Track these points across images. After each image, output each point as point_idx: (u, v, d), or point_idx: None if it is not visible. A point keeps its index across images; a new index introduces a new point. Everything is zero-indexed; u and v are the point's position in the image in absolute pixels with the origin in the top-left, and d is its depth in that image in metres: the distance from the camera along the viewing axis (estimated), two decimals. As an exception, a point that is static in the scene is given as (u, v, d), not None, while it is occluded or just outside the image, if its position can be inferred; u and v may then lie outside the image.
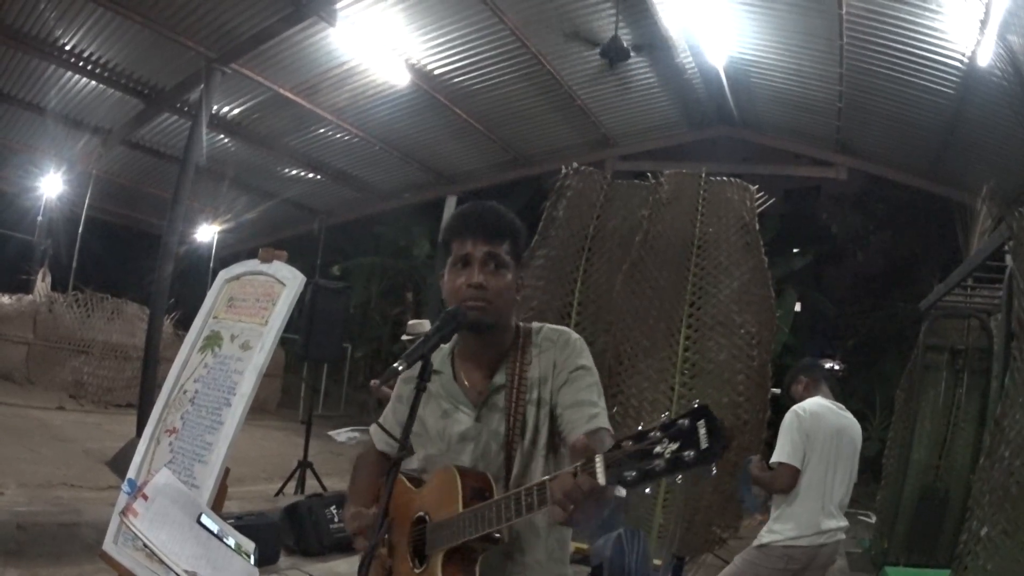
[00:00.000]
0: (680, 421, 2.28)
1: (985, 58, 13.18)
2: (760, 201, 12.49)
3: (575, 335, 3.63)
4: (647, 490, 2.38)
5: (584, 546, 10.72)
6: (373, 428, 3.92)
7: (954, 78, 14.86)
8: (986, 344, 12.80)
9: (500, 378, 3.50)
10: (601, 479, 2.43)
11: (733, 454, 8.69)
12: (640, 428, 2.37)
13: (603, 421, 3.30)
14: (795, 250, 28.38)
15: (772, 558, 7.46)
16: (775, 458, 7.28)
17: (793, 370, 7.74)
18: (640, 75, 18.96)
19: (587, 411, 3.30)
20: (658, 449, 2.29)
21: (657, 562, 8.78)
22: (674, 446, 2.26)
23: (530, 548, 3.39)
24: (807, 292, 28.41)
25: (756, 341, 11.89)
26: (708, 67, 17.62)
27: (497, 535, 3.00)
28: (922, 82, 15.43)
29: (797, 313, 27.77)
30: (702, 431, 2.24)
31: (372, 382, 12.28)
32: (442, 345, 3.44)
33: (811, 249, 28.45)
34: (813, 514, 7.38)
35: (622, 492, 2.42)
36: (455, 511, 3.14)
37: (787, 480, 7.29)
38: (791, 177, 23.52)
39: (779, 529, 7.44)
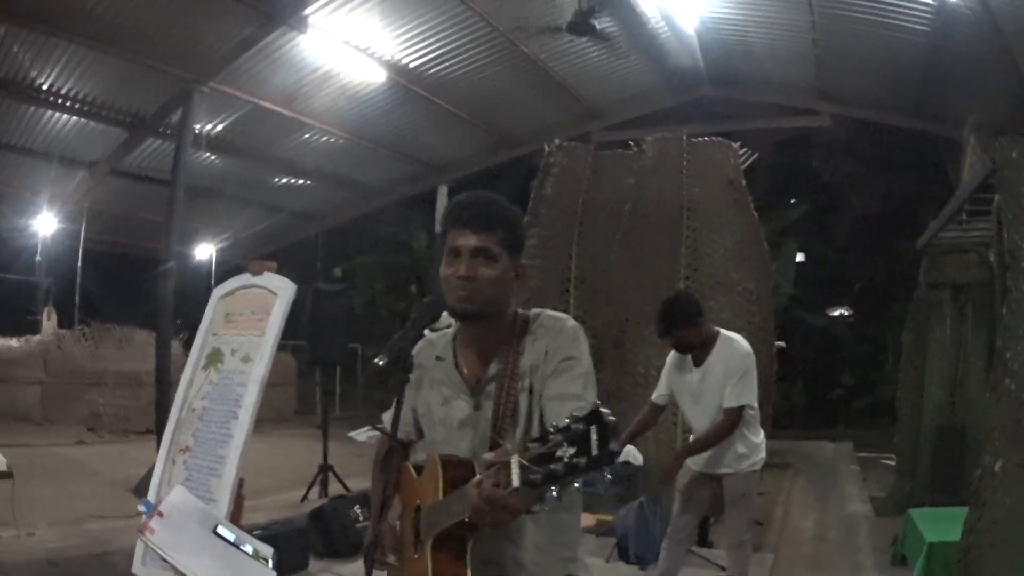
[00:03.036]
0: (576, 425, 2.35)
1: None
2: (744, 157, 12.55)
3: (571, 323, 3.62)
4: (553, 492, 2.42)
5: (608, 517, 10.80)
6: (384, 421, 3.99)
7: (926, 15, 14.80)
8: (987, 277, 12.75)
9: (494, 367, 3.53)
10: (516, 481, 2.50)
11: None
12: (549, 429, 2.43)
13: None
14: (792, 201, 28.37)
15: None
16: (747, 401, 7.26)
17: (685, 311, 7.58)
18: (615, 45, 18.97)
19: (569, 404, 3.21)
20: (559, 453, 2.36)
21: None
22: (571, 451, 2.34)
23: (528, 531, 3.43)
24: (808, 242, 28.39)
25: (755, 297, 12.01)
26: (681, 31, 17.66)
27: (467, 520, 2.97)
28: (895, 21, 15.35)
29: (800, 264, 27.77)
30: (593, 437, 2.31)
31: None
32: (445, 332, 3.62)
33: (807, 198, 28.45)
34: None
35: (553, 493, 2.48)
36: (437, 499, 3.22)
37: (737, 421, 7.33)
38: (779, 129, 23.54)
39: (763, 450, 7.62)
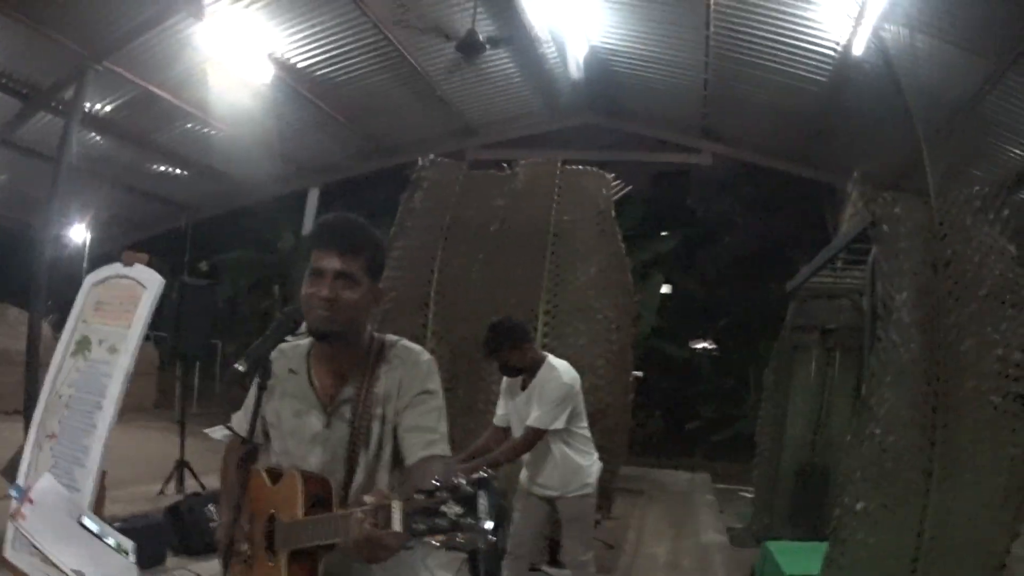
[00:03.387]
0: (465, 488, 2.48)
1: (859, 48, 13.42)
2: (617, 188, 12.67)
3: (426, 356, 3.75)
4: (435, 543, 2.53)
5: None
6: (233, 422, 4.01)
7: (827, 67, 15.19)
8: (858, 322, 13.05)
9: (349, 390, 3.63)
10: (397, 527, 2.59)
11: (597, 437, 8.77)
12: (435, 484, 2.53)
13: (440, 448, 3.51)
14: (663, 233, 28.62)
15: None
16: (551, 426, 7.36)
17: (510, 335, 7.69)
18: (501, 66, 19.15)
19: (425, 436, 3.50)
20: (443, 508, 2.48)
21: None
22: (458, 509, 2.47)
23: None
24: (676, 275, 28.72)
25: (615, 326, 12.14)
26: (570, 56, 17.72)
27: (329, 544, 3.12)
28: (794, 70, 15.75)
29: (667, 295, 28.07)
30: (483, 501, 2.45)
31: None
32: (299, 344, 3.76)
33: (679, 232, 28.71)
34: None
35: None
36: (295, 515, 3.32)
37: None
38: (657, 162, 23.77)
39: (592, 475, 7.79)
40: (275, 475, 3.61)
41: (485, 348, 7.60)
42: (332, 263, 3.45)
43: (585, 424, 7.82)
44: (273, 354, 3.52)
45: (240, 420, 3.92)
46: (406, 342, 3.77)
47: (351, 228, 3.59)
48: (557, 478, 7.58)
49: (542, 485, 7.65)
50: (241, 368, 3.27)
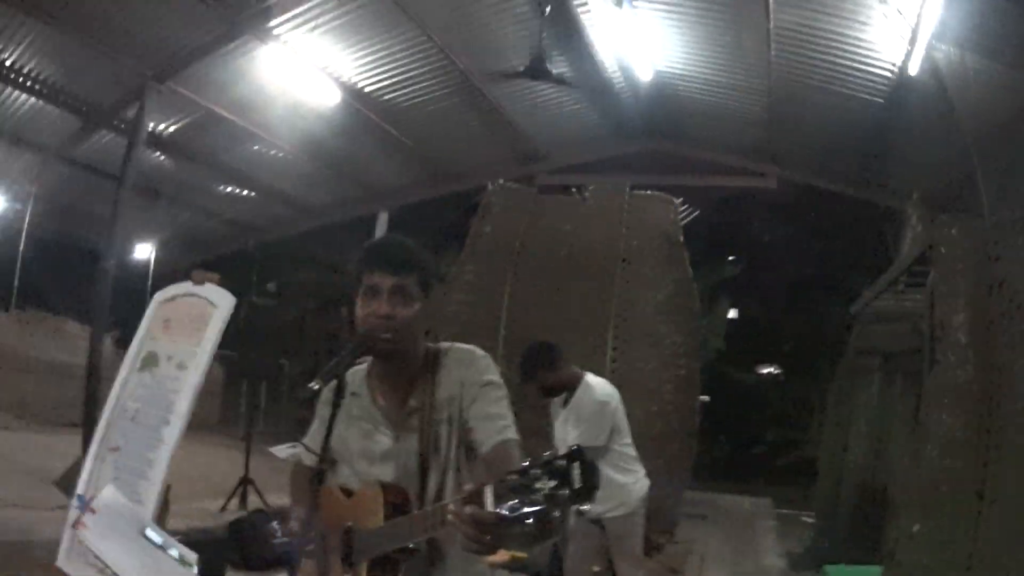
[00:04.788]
0: (558, 461, 2.51)
1: (915, 68, 13.39)
2: (684, 213, 12.71)
3: (480, 352, 3.83)
4: (528, 520, 2.59)
5: (522, 555, 10.87)
6: (300, 447, 4.09)
7: (883, 87, 15.06)
8: (918, 346, 13.00)
9: (414, 401, 3.69)
10: (490, 507, 2.65)
11: (663, 462, 8.83)
12: (526, 463, 2.57)
13: (512, 433, 3.55)
14: (729, 258, 28.56)
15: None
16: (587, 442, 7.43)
17: (543, 357, 7.73)
18: (568, 91, 19.06)
19: (497, 423, 3.55)
20: (538, 484, 2.51)
21: (596, 568, 8.95)
22: (552, 483, 2.49)
23: (448, 551, 3.55)
24: (741, 300, 28.65)
25: (682, 352, 12.16)
26: (635, 81, 17.73)
27: (412, 547, 3.24)
28: (851, 92, 15.62)
29: (732, 321, 28.01)
30: (576, 472, 2.47)
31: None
32: (356, 368, 3.77)
33: (744, 256, 28.65)
34: None
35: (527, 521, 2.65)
36: (378, 524, 3.39)
37: None
38: (724, 187, 23.71)
39: (634, 493, 7.87)
40: (348, 492, 3.72)
41: (520, 374, 7.66)
42: (386, 280, 3.56)
43: (628, 441, 7.82)
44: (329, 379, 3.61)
45: (311, 441, 4.00)
46: (458, 344, 3.86)
47: (401, 247, 3.73)
48: (599, 497, 7.58)
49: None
50: (316, 387, 3.38)
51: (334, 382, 3.45)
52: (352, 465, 3.81)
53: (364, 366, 3.84)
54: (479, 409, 3.60)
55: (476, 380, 3.67)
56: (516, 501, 2.55)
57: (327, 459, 3.62)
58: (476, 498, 2.71)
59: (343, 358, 3.46)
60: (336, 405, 3.50)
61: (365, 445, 3.77)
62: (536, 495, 2.50)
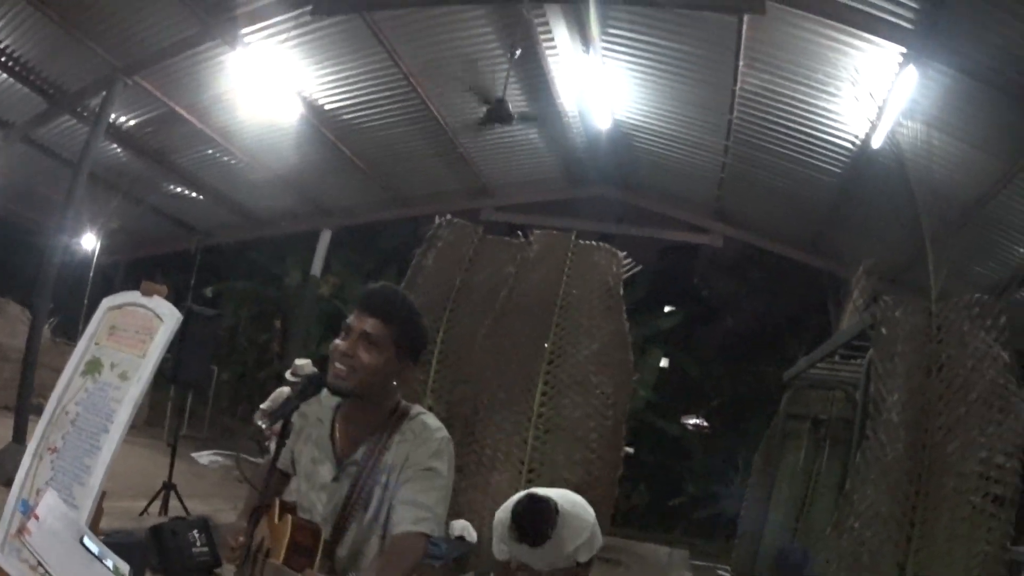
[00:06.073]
0: None
1: (878, 142, 13.55)
2: (627, 267, 12.81)
3: (441, 434, 3.80)
4: None
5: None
6: (222, 456, 4.20)
7: (843, 158, 15.39)
8: (850, 415, 13.16)
9: (361, 452, 3.74)
10: None
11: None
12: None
13: (428, 526, 3.57)
14: (666, 309, 28.72)
15: None
16: None
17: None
18: (525, 131, 19.34)
19: (417, 512, 3.56)
20: None
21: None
22: None
23: None
24: (674, 351, 28.80)
25: (612, 402, 12.22)
26: (593, 128, 17.90)
27: None
28: (810, 159, 15.97)
29: (663, 371, 28.15)
30: None
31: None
32: (333, 398, 3.80)
33: (682, 309, 28.86)
34: None
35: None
36: (278, 555, 3.47)
37: None
38: (667, 239, 23.83)
39: None
40: (284, 511, 3.74)
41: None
42: (361, 323, 3.62)
43: None
44: (312, 398, 3.71)
45: (262, 469, 4.12)
46: (426, 417, 3.86)
47: (389, 297, 3.77)
48: None
49: None
50: (263, 426, 3.48)
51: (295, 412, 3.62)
52: (299, 483, 3.89)
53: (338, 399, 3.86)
54: (408, 492, 3.62)
55: (419, 461, 3.68)
56: None
57: (262, 493, 3.75)
58: None
59: (289, 400, 3.60)
60: (279, 445, 3.70)
61: (311, 470, 3.84)
62: None
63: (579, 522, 6.46)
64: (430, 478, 3.67)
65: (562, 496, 6.53)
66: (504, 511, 6.44)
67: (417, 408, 3.90)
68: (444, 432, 3.83)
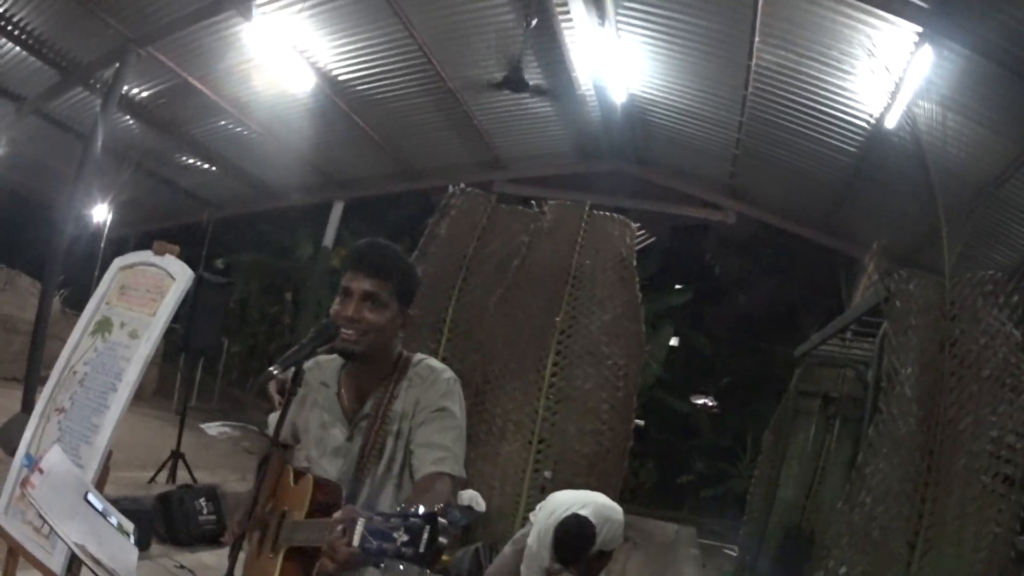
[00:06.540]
0: (415, 520, 2.59)
1: (892, 121, 13.45)
2: (640, 238, 12.75)
3: (448, 375, 3.84)
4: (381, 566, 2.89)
5: (445, 558, 10.91)
6: (229, 427, 4.16)
7: (858, 137, 15.24)
8: (860, 393, 13.11)
9: (369, 406, 3.77)
10: (355, 542, 2.72)
11: (594, 480, 8.86)
12: (399, 509, 2.67)
13: (449, 466, 3.58)
14: (677, 286, 28.63)
15: None
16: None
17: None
18: (539, 103, 19.24)
19: (436, 453, 3.58)
20: (395, 535, 2.61)
21: None
22: (404, 538, 2.58)
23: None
24: (684, 328, 28.73)
25: (623, 373, 12.17)
26: (608, 102, 17.88)
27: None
28: (825, 138, 15.82)
29: (673, 348, 28.07)
30: (425, 536, 2.54)
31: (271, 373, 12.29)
32: (335, 358, 3.86)
33: (693, 286, 28.77)
34: None
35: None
36: (302, 516, 3.51)
37: None
38: (680, 215, 23.76)
39: None
40: (299, 475, 3.75)
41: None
42: (360, 284, 3.64)
43: None
44: (309, 364, 3.70)
45: (273, 422, 4.01)
46: (430, 361, 3.89)
47: (382, 252, 3.77)
48: None
49: None
50: (276, 372, 3.41)
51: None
52: (310, 450, 3.90)
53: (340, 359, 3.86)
54: (424, 435, 3.64)
55: (430, 403, 3.71)
56: (373, 545, 2.63)
57: (277, 443, 3.70)
58: (350, 527, 2.78)
59: (303, 346, 3.49)
60: (291, 393, 3.54)
61: (321, 436, 3.85)
62: (391, 544, 2.58)
63: (611, 532, 6.52)
64: (443, 418, 3.68)
65: (596, 512, 6.59)
66: (546, 528, 6.50)
67: (419, 355, 3.91)
68: (450, 372, 3.86)
